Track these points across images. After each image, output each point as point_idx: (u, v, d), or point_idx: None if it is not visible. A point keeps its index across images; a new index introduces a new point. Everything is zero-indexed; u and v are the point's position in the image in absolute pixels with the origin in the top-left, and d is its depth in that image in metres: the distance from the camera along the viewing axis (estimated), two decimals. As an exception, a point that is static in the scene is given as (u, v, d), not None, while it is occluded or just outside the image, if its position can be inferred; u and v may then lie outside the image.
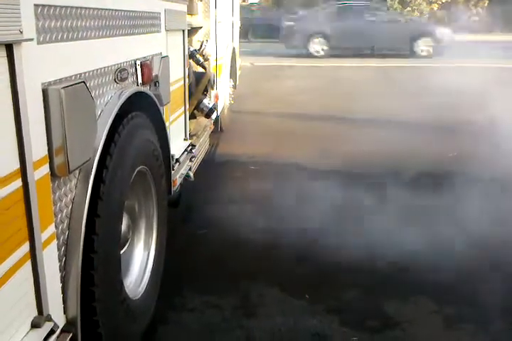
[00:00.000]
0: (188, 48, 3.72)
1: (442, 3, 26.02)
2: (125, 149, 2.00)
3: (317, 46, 15.80)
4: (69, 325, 1.61)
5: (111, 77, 1.94)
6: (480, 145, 5.25)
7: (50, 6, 1.44)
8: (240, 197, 4.13)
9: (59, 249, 1.57)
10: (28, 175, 1.34)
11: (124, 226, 2.20)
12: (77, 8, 1.61)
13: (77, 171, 1.65)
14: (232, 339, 2.46)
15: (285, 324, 2.56)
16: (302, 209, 3.85)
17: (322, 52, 15.72)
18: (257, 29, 21.73)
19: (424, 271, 2.96)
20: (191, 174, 3.58)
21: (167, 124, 2.83)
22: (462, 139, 5.70)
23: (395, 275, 2.95)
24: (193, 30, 4.22)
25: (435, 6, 26.71)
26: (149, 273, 2.48)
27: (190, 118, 3.87)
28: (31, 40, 1.33)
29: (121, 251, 2.24)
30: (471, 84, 8.19)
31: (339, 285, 2.87)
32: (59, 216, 1.56)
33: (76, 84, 1.55)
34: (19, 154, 1.32)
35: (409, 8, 27.14)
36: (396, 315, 2.60)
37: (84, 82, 1.60)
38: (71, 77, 1.58)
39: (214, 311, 2.67)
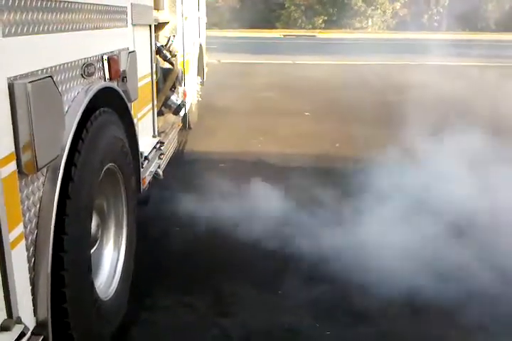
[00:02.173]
0: (155, 44, 3.66)
1: (405, 1, 26.45)
2: (94, 146, 1.95)
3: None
4: (40, 328, 1.56)
5: (78, 72, 1.89)
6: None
7: (15, -3, 1.38)
8: (209, 195, 4.09)
9: (28, 250, 1.52)
10: (-6, 173, 1.29)
11: (93, 226, 2.15)
12: (43, 0, 1.55)
13: (44, 169, 1.59)
14: (206, 338, 2.44)
15: (259, 320, 2.55)
16: (270, 207, 3.84)
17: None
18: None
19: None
20: (160, 172, 3.53)
21: (135, 121, 2.78)
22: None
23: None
24: (159, 26, 4.16)
25: (397, 5, 27.11)
26: (120, 273, 2.43)
27: (158, 115, 3.82)
28: (-4, 32, 1.28)
29: (91, 251, 2.19)
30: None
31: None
32: (27, 215, 1.51)
33: (43, 78, 1.50)
34: (-16, 151, 1.27)
35: (372, 7, 27.48)
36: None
37: (51, 76, 1.55)
38: (37, 71, 1.53)
39: (187, 310, 2.63)
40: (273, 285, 2.86)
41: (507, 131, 5.69)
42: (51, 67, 1.63)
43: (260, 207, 3.79)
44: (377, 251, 3.06)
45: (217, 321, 2.55)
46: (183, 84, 4.40)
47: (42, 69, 1.56)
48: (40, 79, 1.47)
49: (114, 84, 2.28)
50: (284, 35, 24.88)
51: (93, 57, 2.08)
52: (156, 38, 4.08)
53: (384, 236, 3.24)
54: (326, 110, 7.46)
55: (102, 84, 2.08)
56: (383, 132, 5.97)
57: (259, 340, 2.43)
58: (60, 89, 1.65)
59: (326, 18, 28.85)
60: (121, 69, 2.41)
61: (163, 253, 3.22)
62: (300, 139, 5.90)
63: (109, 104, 2.25)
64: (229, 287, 2.84)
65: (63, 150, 1.66)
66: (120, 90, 2.34)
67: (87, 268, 1.91)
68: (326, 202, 3.86)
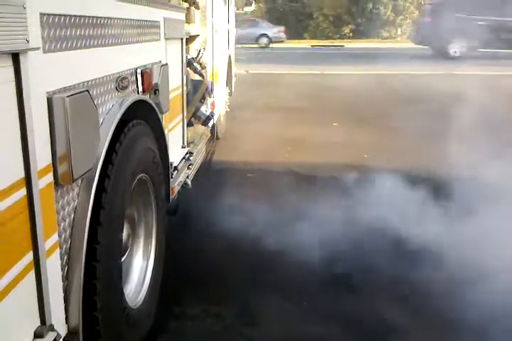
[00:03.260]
0: (186, 56, 3.73)
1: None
2: (126, 157, 2.00)
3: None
4: (71, 335, 1.60)
5: (113, 86, 1.94)
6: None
7: (55, 15, 1.44)
8: (237, 205, 4.12)
9: (61, 258, 1.56)
10: (33, 184, 1.33)
11: (124, 235, 2.19)
12: (81, 16, 1.61)
13: (79, 180, 1.64)
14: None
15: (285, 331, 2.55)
16: (298, 216, 3.84)
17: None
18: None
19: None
20: (189, 182, 3.58)
21: (166, 132, 2.83)
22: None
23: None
24: (190, 39, 4.24)
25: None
26: (148, 282, 2.47)
27: (187, 126, 3.87)
28: (37, 49, 1.33)
29: (122, 260, 2.23)
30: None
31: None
32: (62, 225, 1.56)
33: (80, 92, 1.55)
34: (24, 163, 1.32)
35: (401, 16, 27.30)
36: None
37: (88, 90, 1.60)
38: (75, 85, 1.59)
39: (214, 319, 2.65)
40: (300, 297, 2.86)
41: None
42: (88, 81, 1.68)
43: (290, 218, 3.80)
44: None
45: (243, 331, 2.56)
46: (212, 95, 4.46)
47: (79, 84, 1.61)
48: (77, 93, 1.52)
49: (146, 97, 2.34)
50: (312, 46, 24.93)
51: (127, 70, 2.13)
52: (187, 50, 4.16)
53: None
54: (354, 121, 7.44)
55: (135, 97, 2.13)
56: (413, 143, 5.92)
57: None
58: (95, 102, 1.70)
59: (354, 27, 28.81)
60: (153, 82, 2.47)
61: (192, 263, 3.24)
62: (328, 149, 5.89)
63: (142, 116, 2.31)
64: (257, 298, 2.85)
65: (97, 161, 1.70)
66: (152, 102, 2.39)
67: (117, 277, 1.95)
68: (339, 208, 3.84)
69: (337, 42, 26.35)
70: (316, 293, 2.90)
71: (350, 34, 28.65)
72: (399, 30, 28.90)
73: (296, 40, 26.62)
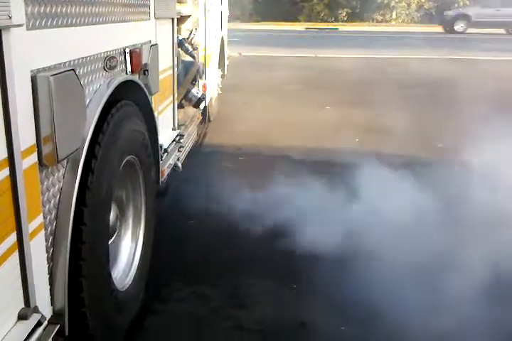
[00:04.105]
0: (177, 37, 3.67)
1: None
2: (114, 138, 1.97)
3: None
4: (56, 317, 1.59)
5: (100, 65, 1.90)
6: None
7: (39, -9, 1.40)
8: (227, 188, 4.10)
9: (47, 240, 1.54)
10: (16, 165, 1.31)
11: (112, 217, 2.17)
12: (66, -7, 1.57)
13: (65, 161, 1.62)
14: (220, 329, 2.46)
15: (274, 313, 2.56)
16: (289, 201, 3.84)
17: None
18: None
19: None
20: (179, 164, 3.55)
21: (156, 114, 2.79)
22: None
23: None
24: (181, 19, 4.17)
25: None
26: (137, 264, 2.46)
27: (178, 108, 3.83)
28: (21, 25, 1.29)
29: (109, 242, 2.21)
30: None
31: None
32: (47, 206, 1.54)
33: (66, 71, 1.51)
34: (6, 143, 1.29)
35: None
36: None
37: (73, 69, 1.56)
38: (60, 64, 1.55)
39: (202, 302, 2.66)
40: (289, 280, 2.87)
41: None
42: (74, 60, 1.65)
43: (278, 201, 3.79)
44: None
45: (232, 313, 2.57)
46: (203, 77, 4.41)
47: (65, 62, 1.58)
48: (62, 72, 1.49)
49: (135, 78, 2.30)
50: (306, 28, 24.70)
51: (116, 50, 2.09)
52: (178, 31, 4.09)
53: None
54: (347, 104, 7.40)
55: (123, 77, 2.09)
56: (406, 124, 5.88)
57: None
58: (82, 82, 1.67)
59: (349, 10, 28.54)
60: (143, 63, 2.43)
61: (181, 245, 3.24)
62: (321, 132, 5.87)
63: (131, 97, 2.27)
64: (246, 280, 2.85)
65: (84, 142, 1.68)
66: (141, 83, 2.35)
67: (105, 259, 1.94)
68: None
69: (332, 26, 26.13)
70: (306, 278, 2.91)
71: (345, 18, 28.40)
72: (394, 13, 28.67)
73: (290, 23, 26.34)
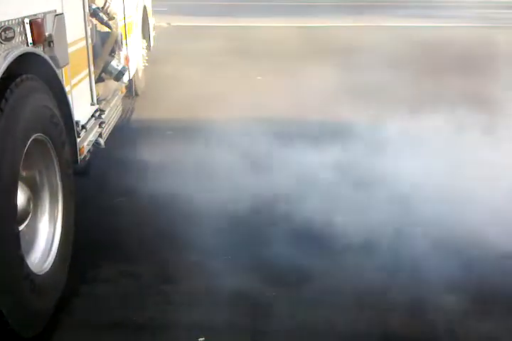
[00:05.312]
0: (90, 6, 3.48)
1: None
2: (14, 115, 1.85)
3: None
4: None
5: (-8, 37, 1.76)
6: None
7: None
8: (155, 163, 4.02)
9: None
10: None
11: (22, 199, 2.06)
12: None
13: (-44, 141, 1.49)
14: (148, 305, 2.42)
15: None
16: (215, 174, 3.80)
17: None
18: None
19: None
20: (102, 141, 3.42)
21: (68, 88, 2.65)
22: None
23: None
24: (96, -13, 3.95)
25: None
26: (57, 247, 2.36)
27: (97, 82, 3.67)
28: None
29: (22, 226, 2.11)
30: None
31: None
32: None
33: None
34: None
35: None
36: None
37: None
38: None
39: (130, 280, 2.61)
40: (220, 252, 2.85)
41: None
42: (-45, 31, 1.50)
43: (202, 174, 3.76)
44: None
45: (160, 288, 2.53)
46: (123, 48, 4.23)
47: None
48: None
49: (37, 50, 2.15)
50: (237, -3, 24.24)
51: (11, 20, 1.94)
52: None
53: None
54: (277, 74, 7.36)
55: (22, 49, 1.95)
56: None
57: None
58: (-33, 55, 1.53)
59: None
60: (46, 34, 2.27)
61: (108, 224, 3.16)
62: (251, 105, 5.80)
63: (34, 71, 2.13)
64: (174, 256, 2.82)
65: (-25, 120, 1.55)
66: (46, 56, 2.21)
67: (13, 244, 1.84)
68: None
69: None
70: (236, 245, 2.90)
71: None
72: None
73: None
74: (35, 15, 2.18)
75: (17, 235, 1.88)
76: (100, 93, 3.75)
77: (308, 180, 3.69)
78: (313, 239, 2.95)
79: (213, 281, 2.57)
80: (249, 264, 2.71)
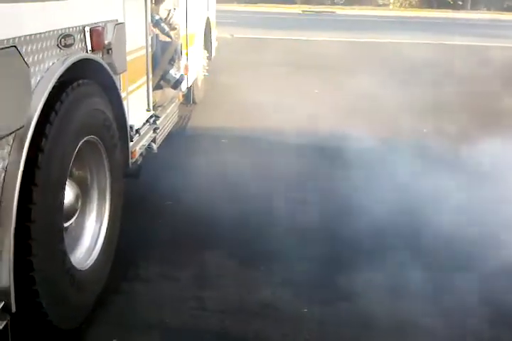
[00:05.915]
0: (153, 16, 3.62)
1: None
2: (69, 118, 1.95)
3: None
4: (1, 294, 1.59)
5: (53, 43, 1.87)
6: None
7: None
8: (206, 170, 4.09)
9: (-10, 219, 1.54)
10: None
11: (71, 197, 2.17)
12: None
13: (10, 139, 1.60)
14: (184, 309, 2.47)
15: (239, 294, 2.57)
16: (269, 184, 3.83)
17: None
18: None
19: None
20: (154, 146, 3.53)
21: (124, 94, 2.77)
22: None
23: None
24: (160, -2, 4.11)
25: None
26: (101, 245, 2.45)
27: (155, 89, 3.79)
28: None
29: (69, 222, 2.21)
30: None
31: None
32: (-11, 184, 1.53)
33: (5, 48, 1.49)
34: None
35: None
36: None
37: (15, 46, 1.54)
38: (2, 41, 1.52)
39: (169, 282, 2.67)
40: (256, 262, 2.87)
41: None
42: (18, 37, 1.62)
43: (253, 184, 3.79)
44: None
45: (196, 294, 2.58)
46: (182, 58, 4.36)
47: (7, 39, 1.55)
48: (2, 48, 1.47)
49: (96, 56, 2.27)
50: (302, 11, 24.44)
51: (72, 28, 2.06)
52: (156, 10, 4.03)
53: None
54: (335, 89, 7.35)
55: (80, 55, 2.06)
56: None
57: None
58: (28, 59, 1.65)
59: (346, -6, 28.28)
60: (105, 41, 2.39)
61: (156, 226, 3.24)
62: (308, 118, 5.81)
63: (92, 76, 2.25)
64: (215, 261, 2.86)
65: (30, 120, 1.66)
66: (103, 62, 2.32)
67: (58, 238, 1.93)
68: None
69: (329, 9, 25.87)
70: (272, 259, 2.91)
71: (342, 1, 28.11)
72: (392, -3, 28.37)
73: (288, 5, 26.05)
74: (96, 23, 2.30)
75: (61, 230, 1.98)
76: (157, 100, 3.88)
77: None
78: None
79: (249, 291, 2.60)
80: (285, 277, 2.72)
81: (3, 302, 1.57)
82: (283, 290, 2.61)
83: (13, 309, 1.63)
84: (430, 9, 25.42)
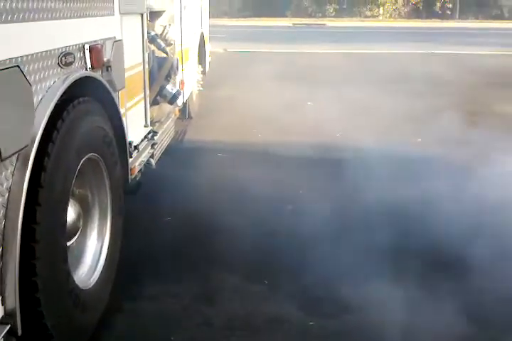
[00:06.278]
0: (149, 33, 3.64)
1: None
2: (70, 136, 1.95)
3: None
4: (7, 317, 1.57)
5: (54, 62, 1.87)
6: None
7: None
8: (204, 185, 4.08)
9: (-6, 240, 1.52)
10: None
11: (73, 216, 2.15)
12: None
13: (14, 158, 1.59)
14: (190, 326, 2.44)
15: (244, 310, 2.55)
16: (267, 198, 3.82)
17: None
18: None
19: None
20: (153, 161, 3.52)
21: (123, 111, 2.77)
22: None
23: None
24: (156, 14, 4.13)
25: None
26: (103, 263, 2.43)
27: (152, 105, 3.80)
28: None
29: (71, 241, 2.19)
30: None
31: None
32: (-6, 205, 1.51)
33: (9, 68, 1.48)
34: None
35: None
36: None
37: (18, 66, 1.53)
38: (4, 60, 1.52)
39: (172, 299, 2.64)
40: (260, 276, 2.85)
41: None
42: (21, 57, 1.62)
43: (252, 198, 3.78)
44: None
45: (201, 310, 2.55)
46: (178, 73, 4.38)
47: (9, 59, 1.55)
48: (5, 68, 1.46)
49: (95, 74, 2.27)
50: (293, 24, 24.68)
51: (72, 46, 2.06)
52: (152, 26, 4.05)
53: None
54: (329, 100, 7.38)
55: (80, 73, 2.06)
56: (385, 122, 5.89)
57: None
58: (30, 78, 1.64)
59: (336, 6, 28.56)
60: (104, 59, 2.39)
61: (154, 242, 3.22)
62: (302, 128, 5.83)
63: (91, 94, 2.24)
64: (217, 277, 2.84)
65: (34, 139, 1.65)
66: (103, 80, 2.32)
67: (61, 258, 1.91)
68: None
69: (319, 21, 26.13)
70: (277, 271, 2.89)
71: (333, 13, 28.41)
72: (381, 9, 28.69)
73: (278, 18, 26.30)
74: (95, 41, 2.31)
75: (64, 250, 1.96)
76: (154, 115, 3.88)
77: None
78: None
79: (254, 306, 2.57)
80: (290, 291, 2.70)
81: (9, 326, 1.54)
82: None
83: (19, 332, 1.60)
84: (419, 19, 25.74)
